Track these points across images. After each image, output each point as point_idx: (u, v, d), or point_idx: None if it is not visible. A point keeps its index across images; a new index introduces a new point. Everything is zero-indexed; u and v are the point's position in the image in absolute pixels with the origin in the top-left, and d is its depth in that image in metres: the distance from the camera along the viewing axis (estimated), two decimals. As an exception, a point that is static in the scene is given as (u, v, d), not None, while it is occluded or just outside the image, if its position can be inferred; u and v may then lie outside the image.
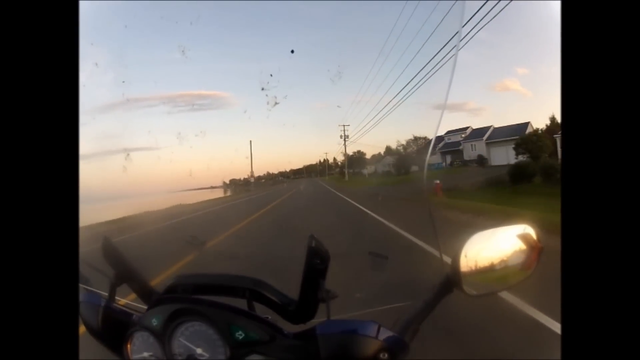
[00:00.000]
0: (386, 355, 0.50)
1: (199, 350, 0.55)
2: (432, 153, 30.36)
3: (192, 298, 0.61)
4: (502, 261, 0.57)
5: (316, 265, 0.55)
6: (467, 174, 19.68)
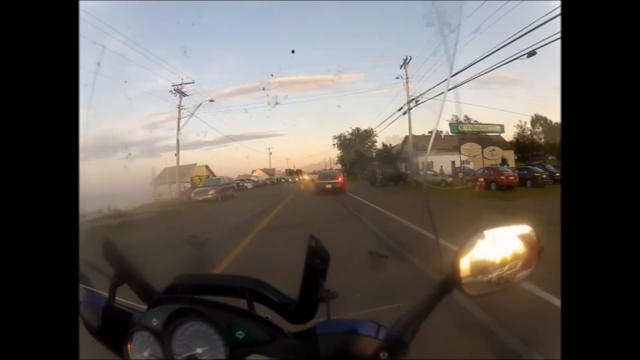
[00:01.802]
0: (386, 354, 0.50)
1: (199, 350, 0.55)
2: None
3: (192, 298, 0.61)
4: (502, 261, 0.57)
5: (316, 265, 0.54)
6: None
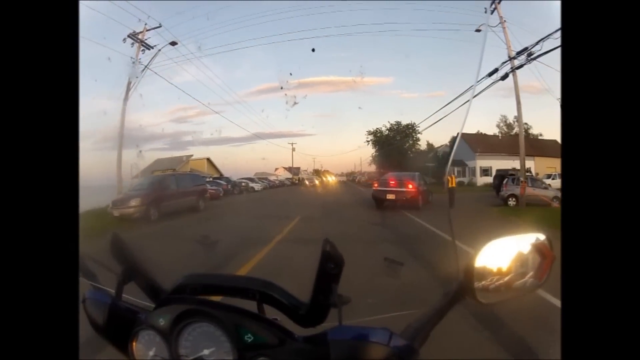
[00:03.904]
0: None
1: (206, 352, 0.54)
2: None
3: (200, 299, 0.60)
4: (515, 270, 0.57)
5: (330, 269, 0.53)
6: None
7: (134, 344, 0.60)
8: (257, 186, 21.31)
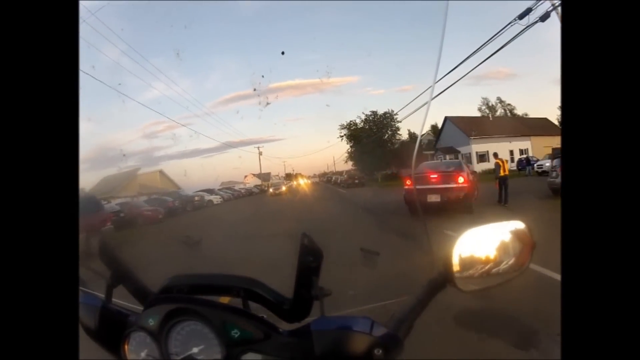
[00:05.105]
0: (380, 351, 0.50)
1: (195, 350, 0.55)
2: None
3: (187, 297, 0.61)
4: (495, 257, 0.57)
5: (309, 263, 0.55)
6: None
7: (125, 346, 0.60)
8: (216, 199, 17.41)
